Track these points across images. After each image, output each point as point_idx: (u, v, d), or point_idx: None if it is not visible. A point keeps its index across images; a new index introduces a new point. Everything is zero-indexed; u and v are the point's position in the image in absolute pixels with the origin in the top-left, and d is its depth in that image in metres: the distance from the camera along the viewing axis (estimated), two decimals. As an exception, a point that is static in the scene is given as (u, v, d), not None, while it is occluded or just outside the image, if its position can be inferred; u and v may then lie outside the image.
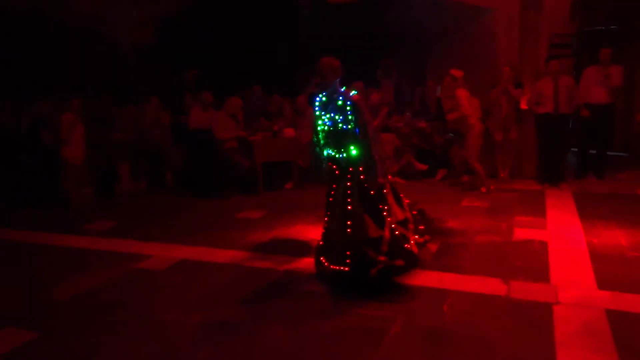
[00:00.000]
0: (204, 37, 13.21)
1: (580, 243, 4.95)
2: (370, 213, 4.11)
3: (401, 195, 4.57)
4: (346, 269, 4.01)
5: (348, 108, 4.15)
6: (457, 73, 7.24)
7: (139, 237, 5.56)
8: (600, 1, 9.02)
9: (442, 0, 9.38)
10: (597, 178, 7.73)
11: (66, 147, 7.22)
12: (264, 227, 5.83)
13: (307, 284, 4.13)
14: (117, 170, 8.16)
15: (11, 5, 11.01)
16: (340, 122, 4.18)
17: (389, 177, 4.69)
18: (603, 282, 3.97)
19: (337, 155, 4.26)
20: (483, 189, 7.25)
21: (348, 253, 4.03)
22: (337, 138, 4.24)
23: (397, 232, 4.14)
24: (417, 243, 4.35)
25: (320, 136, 4.39)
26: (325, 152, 4.39)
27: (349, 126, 4.15)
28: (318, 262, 4.34)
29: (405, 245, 4.15)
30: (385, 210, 4.16)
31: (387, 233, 4.05)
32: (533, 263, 4.44)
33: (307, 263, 4.56)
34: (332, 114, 4.21)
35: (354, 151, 4.18)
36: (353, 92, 4.23)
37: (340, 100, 4.18)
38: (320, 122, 4.35)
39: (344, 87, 4.27)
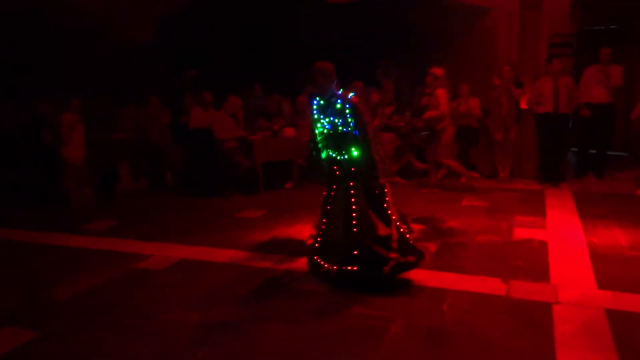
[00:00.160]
0: (204, 37, 13.20)
1: (580, 243, 4.95)
2: (376, 212, 4.14)
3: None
4: (354, 268, 3.99)
5: (347, 111, 4.15)
6: (438, 71, 7.12)
7: (139, 237, 5.56)
8: (600, 1, 9.02)
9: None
10: (597, 178, 7.73)
11: (66, 147, 7.23)
12: (264, 226, 5.83)
13: (307, 283, 4.12)
14: (117, 170, 8.16)
15: (11, 5, 11.01)
16: (340, 125, 4.19)
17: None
18: (603, 282, 3.97)
19: (338, 157, 4.27)
20: (463, 179, 7.29)
21: (356, 253, 4.01)
22: (337, 140, 4.26)
23: (401, 230, 4.19)
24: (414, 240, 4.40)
25: (319, 138, 4.40)
26: (324, 154, 4.39)
27: (349, 129, 4.16)
28: (313, 263, 4.30)
29: (411, 242, 4.21)
30: (389, 209, 4.19)
31: (395, 231, 4.10)
32: (533, 263, 4.44)
33: (307, 263, 4.56)
34: (331, 118, 4.21)
35: (355, 152, 4.19)
36: (351, 94, 4.24)
37: (338, 103, 4.18)
38: (319, 125, 4.36)
39: (341, 89, 4.28)
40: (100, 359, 3.12)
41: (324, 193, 4.58)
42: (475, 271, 4.29)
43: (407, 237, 4.22)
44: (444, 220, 5.82)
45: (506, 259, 4.55)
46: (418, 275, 4.14)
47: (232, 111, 7.85)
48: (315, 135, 4.46)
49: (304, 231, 5.54)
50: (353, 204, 4.13)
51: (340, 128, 4.20)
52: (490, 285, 3.98)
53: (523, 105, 7.80)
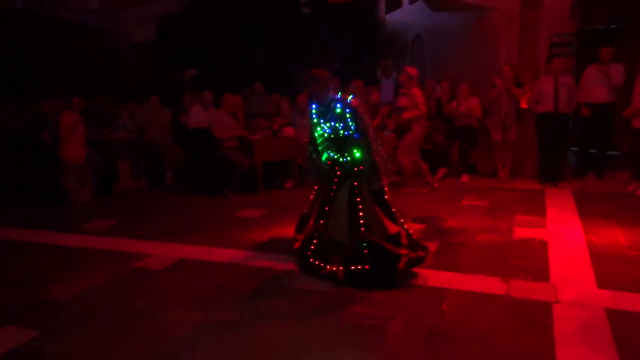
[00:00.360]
0: (204, 37, 13.21)
1: (580, 242, 4.95)
2: (382, 210, 4.19)
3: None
4: (366, 267, 3.99)
5: (348, 115, 4.17)
6: (412, 71, 7.07)
7: (139, 237, 5.56)
8: (601, 0, 9.02)
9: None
10: (597, 177, 7.73)
11: (66, 147, 7.22)
12: (264, 226, 5.83)
13: (306, 283, 4.12)
14: (117, 170, 8.16)
15: (11, 5, 11.03)
16: (341, 129, 4.22)
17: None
18: (603, 281, 3.97)
19: (340, 159, 4.29)
20: (426, 188, 7.27)
21: (366, 252, 4.01)
22: (338, 143, 4.27)
23: (405, 226, 4.28)
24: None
25: (319, 140, 4.41)
26: (325, 155, 4.40)
27: (350, 132, 4.19)
28: (311, 266, 4.22)
29: (414, 237, 4.29)
30: (392, 206, 4.26)
31: (403, 227, 4.19)
32: (533, 262, 4.45)
33: (299, 266, 4.52)
34: (332, 123, 4.23)
35: (357, 154, 4.22)
36: (350, 98, 4.25)
37: (338, 108, 4.19)
38: (318, 128, 4.37)
39: (340, 92, 4.30)
40: (100, 359, 3.13)
41: (314, 194, 4.59)
42: (475, 270, 4.29)
43: (411, 233, 4.30)
44: (444, 219, 5.82)
45: (506, 259, 4.55)
46: (418, 275, 4.15)
47: (232, 110, 7.85)
48: (314, 138, 4.47)
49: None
50: (359, 203, 4.15)
51: (341, 132, 4.22)
52: (490, 285, 3.98)
53: (523, 105, 7.80)
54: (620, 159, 8.22)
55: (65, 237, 5.68)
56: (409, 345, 3.13)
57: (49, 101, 8.09)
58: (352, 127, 4.17)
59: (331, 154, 4.35)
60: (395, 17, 13.55)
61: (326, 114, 4.27)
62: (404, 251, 4.04)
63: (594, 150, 7.89)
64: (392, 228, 4.13)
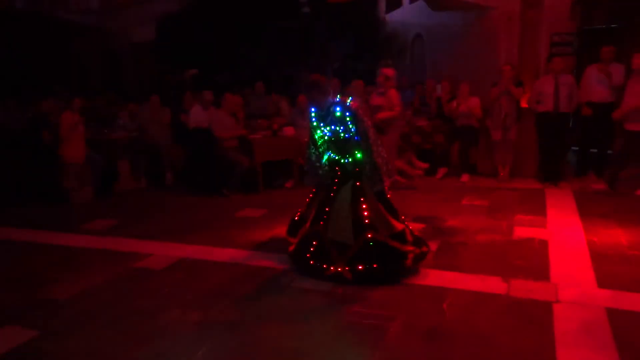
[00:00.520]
0: (204, 37, 13.21)
1: (580, 242, 4.95)
2: (386, 208, 4.24)
3: None
4: (374, 265, 4.00)
5: (348, 119, 4.18)
6: (389, 72, 6.98)
7: (139, 236, 5.56)
8: (601, 0, 9.01)
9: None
10: (598, 177, 7.72)
11: (66, 147, 7.22)
12: (264, 225, 5.83)
13: (306, 282, 4.12)
14: (117, 170, 8.15)
15: (11, 5, 11.03)
16: (341, 132, 4.24)
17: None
18: (603, 281, 3.97)
19: (342, 160, 4.30)
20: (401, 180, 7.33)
21: (372, 250, 4.02)
22: (339, 145, 4.29)
23: (406, 222, 4.33)
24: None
25: (319, 142, 4.41)
26: (326, 156, 4.41)
27: (351, 134, 4.21)
28: (312, 268, 4.16)
29: (416, 233, 4.34)
30: (394, 204, 4.32)
31: (406, 224, 4.26)
32: (533, 262, 4.44)
33: (297, 268, 4.48)
34: (332, 127, 4.25)
35: (359, 155, 4.25)
36: (349, 100, 4.26)
37: (338, 111, 4.19)
38: (319, 131, 4.37)
39: (339, 95, 4.31)
40: (100, 359, 3.12)
41: (311, 196, 4.60)
42: (475, 270, 4.28)
43: (412, 229, 4.35)
44: (444, 219, 5.82)
45: (506, 258, 4.55)
46: (419, 274, 4.15)
47: (232, 110, 7.84)
48: (314, 140, 4.47)
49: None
50: (363, 202, 4.16)
51: (342, 135, 4.24)
52: (490, 284, 3.98)
53: (524, 105, 7.80)
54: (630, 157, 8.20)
55: (65, 237, 5.68)
56: (409, 345, 3.13)
57: (49, 101, 8.09)
58: (352, 130, 4.20)
59: (332, 155, 4.36)
60: (395, 17, 13.55)
61: (326, 117, 4.29)
62: (409, 248, 4.13)
63: (595, 150, 7.88)
64: (398, 225, 4.21)
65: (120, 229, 5.96)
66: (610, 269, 4.22)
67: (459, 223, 5.66)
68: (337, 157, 4.33)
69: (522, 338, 3.17)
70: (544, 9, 8.29)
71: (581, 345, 3.05)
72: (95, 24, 13.59)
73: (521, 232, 5.30)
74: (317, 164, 4.53)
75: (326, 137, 4.33)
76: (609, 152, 7.64)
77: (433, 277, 4.13)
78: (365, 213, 4.12)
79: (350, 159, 4.27)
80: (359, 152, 4.22)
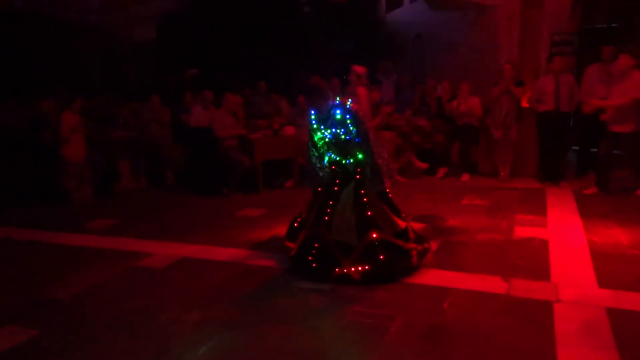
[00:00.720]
0: (204, 37, 13.20)
1: (580, 241, 4.94)
2: (388, 207, 4.29)
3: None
4: (381, 264, 4.01)
5: (348, 121, 4.20)
6: (360, 70, 6.79)
7: (139, 235, 5.56)
8: (601, -1, 9.03)
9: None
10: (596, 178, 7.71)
11: (67, 146, 7.22)
12: (264, 225, 5.82)
13: (306, 282, 4.11)
14: (118, 169, 8.16)
15: (11, 4, 11.01)
16: (342, 134, 4.26)
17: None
18: (604, 281, 3.96)
19: (343, 161, 4.31)
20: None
21: (378, 250, 4.03)
22: (340, 147, 4.30)
23: (407, 220, 4.39)
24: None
25: (320, 144, 4.42)
26: (326, 157, 4.41)
27: (352, 136, 4.24)
28: (316, 270, 4.12)
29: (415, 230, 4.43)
30: (395, 203, 4.36)
31: (408, 222, 4.32)
32: (533, 261, 4.44)
33: (299, 272, 4.46)
34: (333, 129, 4.26)
35: (360, 155, 4.27)
36: (349, 102, 4.27)
37: (338, 114, 4.20)
38: (319, 134, 4.38)
39: (338, 97, 4.33)
40: (101, 358, 3.12)
41: (312, 199, 4.59)
42: (476, 270, 4.28)
43: (412, 226, 4.41)
44: (444, 218, 5.81)
45: (507, 258, 4.55)
46: (419, 274, 4.14)
47: (232, 109, 7.84)
48: (315, 142, 4.47)
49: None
50: (366, 202, 4.18)
51: (343, 137, 4.27)
52: (491, 284, 3.98)
53: (524, 104, 7.79)
54: (621, 158, 8.20)
55: (65, 236, 5.68)
56: (409, 344, 3.13)
57: (49, 101, 8.09)
58: (353, 132, 4.23)
59: (333, 156, 4.37)
60: (395, 17, 13.54)
61: (326, 120, 4.30)
62: (412, 245, 4.20)
63: (595, 150, 7.87)
64: (401, 223, 4.26)
65: (120, 228, 5.96)
66: (610, 269, 4.21)
67: (459, 223, 5.66)
68: (337, 158, 4.35)
69: (523, 338, 3.17)
70: (544, 8, 8.29)
71: (581, 344, 3.05)
72: (95, 24, 13.59)
73: (521, 231, 5.29)
74: (318, 165, 4.53)
75: (327, 139, 4.35)
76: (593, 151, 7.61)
77: (433, 277, 4.13)
78: (369, 213, 4.13)
79: (351, 160, 4.30)
80: (359, 153, 4.26)
